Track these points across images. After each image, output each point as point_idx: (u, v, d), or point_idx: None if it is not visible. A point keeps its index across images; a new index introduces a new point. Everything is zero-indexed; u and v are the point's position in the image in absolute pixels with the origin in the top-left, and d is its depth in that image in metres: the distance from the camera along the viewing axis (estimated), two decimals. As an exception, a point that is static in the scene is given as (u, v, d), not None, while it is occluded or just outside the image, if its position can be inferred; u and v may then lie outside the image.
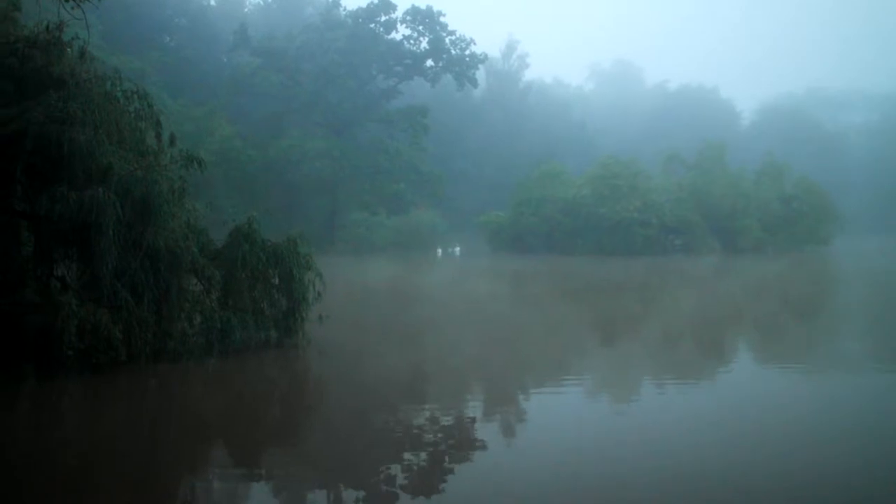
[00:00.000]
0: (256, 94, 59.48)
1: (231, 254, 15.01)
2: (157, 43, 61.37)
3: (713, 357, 16.85)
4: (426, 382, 14.10)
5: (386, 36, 62.28)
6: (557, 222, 53.25)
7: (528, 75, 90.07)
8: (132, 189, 13.07)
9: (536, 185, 55.61)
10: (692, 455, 9.16)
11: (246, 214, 16.08)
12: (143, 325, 12.91)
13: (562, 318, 23.41)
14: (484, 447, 9.57)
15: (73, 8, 14.62)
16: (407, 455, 9.28)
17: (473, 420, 11.13)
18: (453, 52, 62.36)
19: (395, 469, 8.76)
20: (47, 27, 14.08)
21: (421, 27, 62.21)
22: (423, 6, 61.84)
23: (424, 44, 62.63)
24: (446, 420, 11.11)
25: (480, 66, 66.23)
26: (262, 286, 15.44)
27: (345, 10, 63.65)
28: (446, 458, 9.19)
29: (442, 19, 61.76)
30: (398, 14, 62.11)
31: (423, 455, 9.29)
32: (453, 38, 62.26)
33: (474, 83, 66.40)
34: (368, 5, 61.51)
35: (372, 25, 61.50)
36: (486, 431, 10.45)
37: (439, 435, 10.31)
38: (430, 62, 63.33)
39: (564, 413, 11.39)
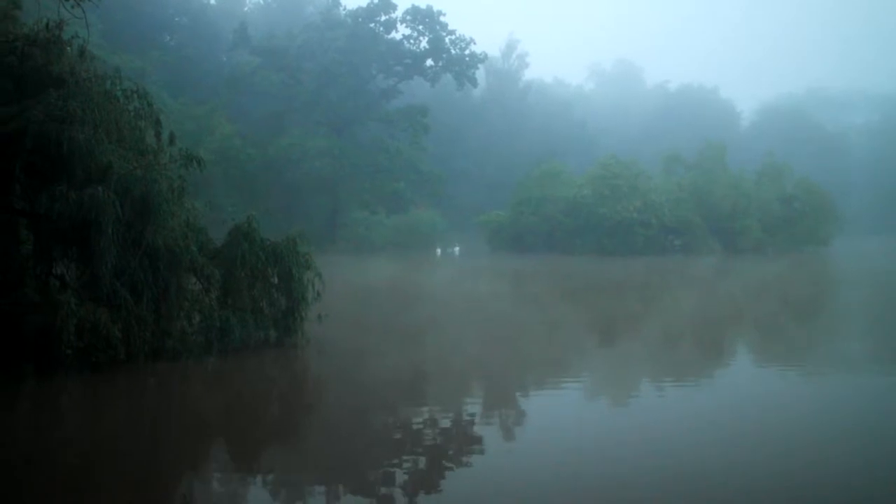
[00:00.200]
0: (256, 93, 59.48)
1: (230, 253, 15.01)
2: (158, 42, 61.37)
3: (713, 357, 16.84)
4: (426, 382, 14.09)
5: (386, 35, 62.27)
6: (558, 222, 53.24)
7: (528, 75, 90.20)
8: (132, 188, 13.07)
9: (536, 184, 55.60)
10: (692, 455, 9.15)
11: (245, 213, 16.09)
12: (143, 324, 12.90)
13: (562, 318, 23.40)
14: (484, 447, 9.55)
15: (72, 7, 14.64)
16: (407, 455, 9.28)
17: (473, 420, 11.11)
18: (453, 51, 62.35)
19: (395, 469, 8.75)
20: (47, 26, 14.05)
21: (421, 27, 62.20)
22: (422, 6, 61.85)
23: (424, 43, 62.63)
24: (446, 420, 11.10)
25: (480, 65, 66.21)
26: (261, 285, 15.43)
27: (345, 9, 63.66)
28: (446, 458, 9.17)
29: (442, 19, 61.78)
30: (398, 13, 62.15)
31: (423, 455, 9.28)
32: (453, 37, 62.26)
33: (474, 83, 66.39)
34: (368, 5, 61.50)
35: (372, 25, 61.49)
36: (485, 431, 10.43)
37: (439, 434, 10.30)
38: (429, 62, 63.32)
39: (564, 413, 11.38)
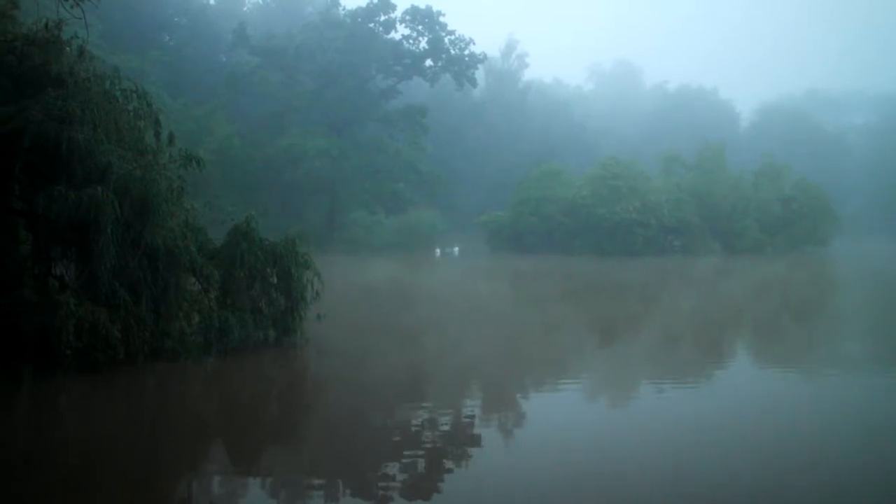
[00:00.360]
0: (256, 94, 59.43)
1: (229, 253, 15.01)
2: (157, 42, 61.31)
3: (712, 358, 16.83)
4: (425, 382, 14.08)
5: (385, 35, 62.23)
6: (557, 222, 53.23)
7: (528, 75, 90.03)
8: (131, 188, 13.06)
9: (536, 185, 55.56)
10: (692, 456, 9.15)
11: (244, 213, 16.07)
12: (142, 324, 12.89)
13: (561, 318, 23.39)
14: (483, 447, 9.55)
15: (72, 6, 14.63)
16: (406, 454, 9.27)
17: (472, 420, 11.11)
18: (452, 51, 62.31)
19: (394, 468, 8.75)
20: (46, 25, 14.05)
21: (420, 27, 62.17)
22: (422, 6, 61.82)
23: (423, 43, 62.59)
24: (445, 420, 11.10)
25: (479, 65, 66.16)
26: (260, 285, 15.44)
27: (344, 9, 63.60)
28: (446, 458, 9.17)
29: (441, 19, 61.72)
30: (397, 14, 62.08)
31: (422, 455, 9.27)
32: (452, 37, 62.20)
33: (473, 83, 66.35)
34: (368, 5, 61.46)
35: (371, 25, 61.45)
36: (485, 431, 10.43)
37: (438, 435, 10.30)
38: (429, 62, 63.28)
39: (564, 413, 11.38)
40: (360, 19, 61.34)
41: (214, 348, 14.14)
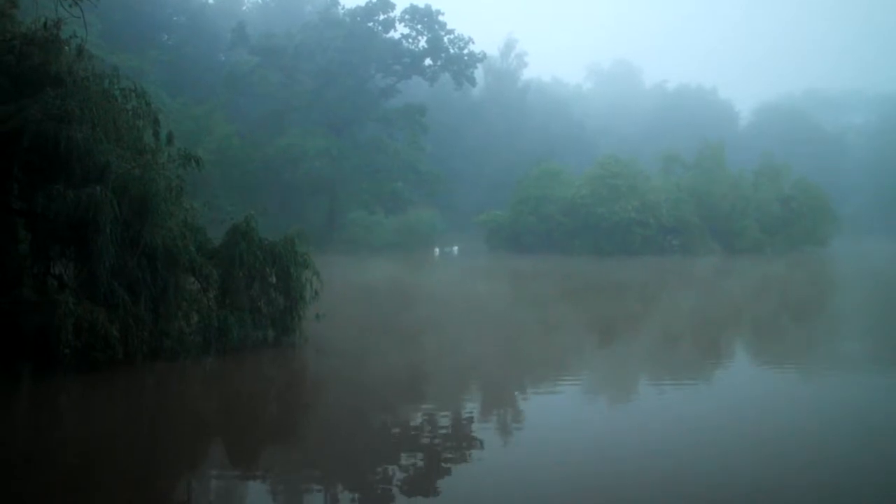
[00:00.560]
0: (255, 93, 59.40)
1: (228, 252, 14.99)
2: (156, 41, 61.25)
3: (712, 358, 16.84)
4: (424, 382, 14.08)
5: (384, 35, 62.21)
6: (556, 222, 53.24)
7: (527, 74, 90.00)
8: (129, 187, 13.05)
9: (535, 184, 55.56)
10: (691, 455, 9.15)
11: (244, 213, 16.06)
12: (141, 324, 12.87)
13: (560, 318, 23.39)
14: (483, 447, 9.54)
15: (70, 6, 14.64)
16: (405, 454, 9.26)
17: (472, 420, 11.11)
18: (452, 50, 62.31)
19: (394, 468, 8.74)
20: (45, 25, 14.03)
21: (419, 26, 62.17)
22: (421, 5, 61.82)
23: (423, 42, 62.59)
24: (445, 419, 11.10)
25: (479, 65, 66.18)
26: (259, 285, 15.43)
27: (343, 8, 63.58)
28: (445, 458, 9.16)
29: (440, 18, 61.72)
30: (396, 13, 62.06)
31: (422, 455, 9.27)
32: (451, 36, 62.21)
33: (473, 82, 66.36)
34: (367, 4, 61.43)
35: (370, 24, 61.43)
36: (484, 431, 10.42)
37: (438, 434, 10.30)
38: (428, 61, 63.27)
39: (563, 413, 11.37)
40: (359, 18, 61.31)
41: (213, 348, 14.13)
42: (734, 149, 67.33)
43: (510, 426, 11.00)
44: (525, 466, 8.73)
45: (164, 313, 13.54)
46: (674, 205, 53.39)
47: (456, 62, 62.52)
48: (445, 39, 61.99)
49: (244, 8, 76.49)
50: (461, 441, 9.95)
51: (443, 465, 8.92)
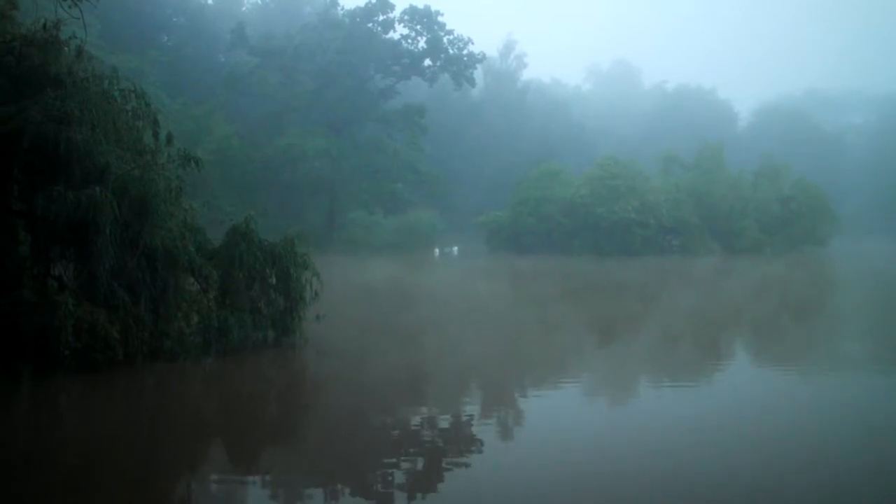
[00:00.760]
0: (254, 94, 59.46)
1: (228, 253, 14.99)
2: (155, 42, 61.26)
3: (711, 358, 16.84)
4: (424, 382, 14.08)
5: (384, 35, 62.25)
6: (556, 222, 53.25)
7: (526, 75, 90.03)
8: (129, 188, 13.05)
9: (535, 184, 55.57)
10: (691, 455, 9.15)
11: (243, 214, 16.08)
12: (141, 325, 12.87)
13: (560, 318, 23.39)
14: (483, 447, 9.54)
15: (70, 7, 14.63)
16: (405, 455, 9.27)
17: (472, 420, 11.10)
18: (451, 51, 62.35)
19: (394, 469, 8.74)
20: (44, 26, 14.03)
21: (419, 26, 62.22)
22: (420, 5, 61.90)
23: (422, 43, 62.63)
24: (445, 420, 11.10)
25: (478, 65, 66.24)
26: (259, 285, 15.42)
27: (343, 9, 63.64)
28: (445, 458, 9.16)
29: (440, 19, 61.80)
30: (396, 13, 62.13)
31: (422, 455, 9.27)
32: (451, 37, 62.26)
33: (472, 83, 66.42)
34: (366, 5, 61.48)
35: (370, 25, 61.47)
36: (484, 431, 10.42)
37: (438, 435, 10.30)
38: (427, 61, 63.32)
39: (563, 413, 11.37)
40: (358, 19, 61.36)
41: (213, 349, 14.12)
42: (734, 149, 67.39)
43: (510, 426, 11.00)
44: (525, 467, 8.73)
45: (163, 314, 13.54)
46: (673, 205, 53.42)
47: (455, 63, 62.56)
48: (445, 40, 62.04)
49: (244, 9, 76.54)
50: (461, 441, 9.95)
51: (443, 465, 8.93)
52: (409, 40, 62.99)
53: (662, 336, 19.70)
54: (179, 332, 13.87)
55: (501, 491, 7.95)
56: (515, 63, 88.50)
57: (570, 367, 15.55)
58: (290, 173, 54.35)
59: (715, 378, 14.57)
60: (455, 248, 57.34)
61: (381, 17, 61.74)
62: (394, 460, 9.03)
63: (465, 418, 11.23)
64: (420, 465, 8.92)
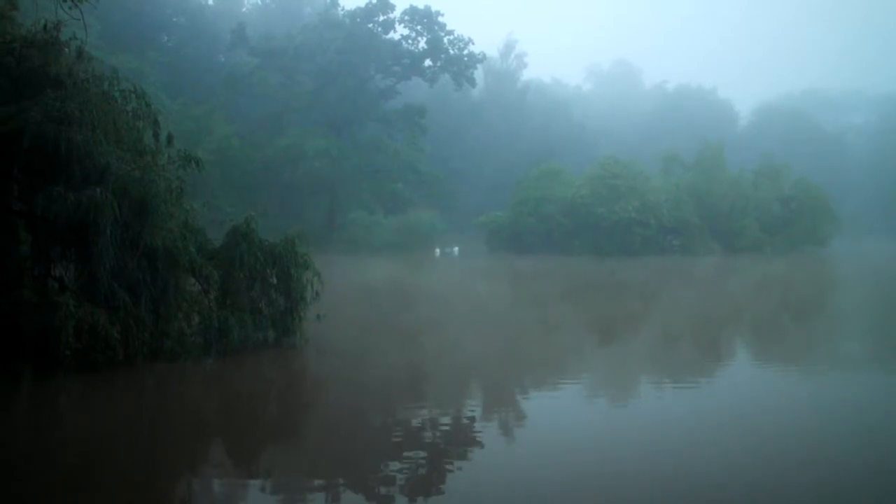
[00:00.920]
0: (255, 94, 59.53)
1: (229, 253, 15.00)
2: (156, 42, 61.33)
3: (712, 357, 16.85)
4: (425, 382, 14.08)
5: (384, 36, 62.29)
6: (556, 222, 53.26)
7: (527, 75, 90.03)
8: (129, 189, 13.05)
9: (535, 184, 55.59)
10: (691, 455, 9.15)
11: (244, 214, 16.07)
12: (141, 325, 12.88)
13: (561, 318, 23.40)
14: (483, 447, 9.55)
15: (70, 8, 14.63)
16: (406, 455, 9.26)
17: (472, 420, 11.10)
18: (451, 51, 62.38)
19: (394, 469, 8.74)
20: (45, 27, 14.04)
21: (419, 27, 62.27)
22: (421, 6, 61.94)
23: (422, 43, 62.68)
24: (445, 420, 11.10)
25: (478, 65, 66.28)
26: (259, 286, 15.42)
27: (343, 9, 63.68)
28: (445, 458, 9.17)
29: (440, 19, 61.87)
30: (396, 14, 62.19)
31: (422, 455, 9.26)
32: (451, 37, 62.30)
33: (472, 83, 66.46)
34: (367, 5, 61.52)
35: (370, 25, 61.51)
36: (485, 431, 10.43)
37: (438, 435, 10.30)
38: (428, 62, 63.37)
39: (564, 413, 11.38)
40: (358, 19, 61.40)
41: (214, 349, 14.12)
42: (734, 149, 67.38)
43: (510, 426, 11.00)
44: (525, 467, 8.74)
45: (164, 314, 13.54)
46: (674, 205, 53.43)
47: (456, 63, 62.60)
48: (445, 40, 62.08)
49: (244, 9, 76.62)
50: (461, 441, 9.95)
51: (443, 465, 8.93)
52: (410, 40, 63.05)
53: (662, 336, 19.71)
54: (180, 333, 13.88)
55: (502, 491, 7.96)
56: (515, 63, 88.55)
57: (570, 368, 15.55)
58: (290, 173, 54.38)
59: (715, 378, 14.58)
60: (455, 248, 57.36)
61: (381, 18, 61.78)
62: (394, 460, 9.02)
63: (465, 418, 11.24)
64: (420, 465, 8.92)
